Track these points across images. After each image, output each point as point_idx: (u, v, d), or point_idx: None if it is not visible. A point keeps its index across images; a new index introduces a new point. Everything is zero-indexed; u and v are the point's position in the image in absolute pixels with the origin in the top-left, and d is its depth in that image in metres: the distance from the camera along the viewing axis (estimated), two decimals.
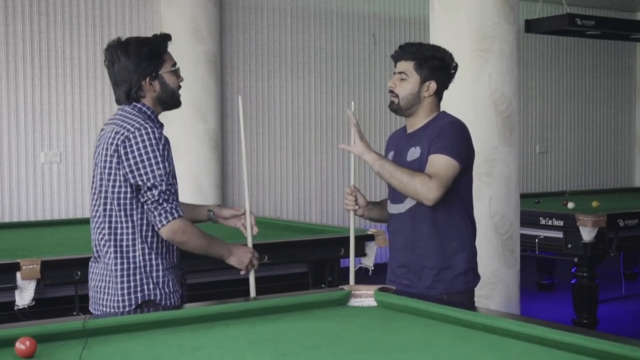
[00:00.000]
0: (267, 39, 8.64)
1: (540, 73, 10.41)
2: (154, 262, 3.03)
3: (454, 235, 3.25)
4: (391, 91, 3.30)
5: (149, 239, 3.03)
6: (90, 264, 3.17)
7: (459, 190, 3.24)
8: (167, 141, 3.00)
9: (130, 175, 2.95)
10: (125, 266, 3.01)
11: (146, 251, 3.02)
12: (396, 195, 3.30)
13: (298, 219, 8.51)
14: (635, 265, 8.35)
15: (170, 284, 3.06)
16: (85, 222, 6.11)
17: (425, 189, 3.08)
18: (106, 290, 3.04)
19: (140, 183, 2.94)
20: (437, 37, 4.75)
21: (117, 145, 2.96)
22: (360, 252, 4.68)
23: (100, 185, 3.03)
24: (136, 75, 3.03)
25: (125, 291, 3.00)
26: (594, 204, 6.59)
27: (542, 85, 10.45)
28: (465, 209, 3.31)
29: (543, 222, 5.98)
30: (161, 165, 2.94)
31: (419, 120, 3.32)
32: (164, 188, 2.94)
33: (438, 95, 3.34)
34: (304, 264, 4.70)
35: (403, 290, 3.12)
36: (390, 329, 2.55)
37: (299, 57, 8.82)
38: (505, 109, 4.65)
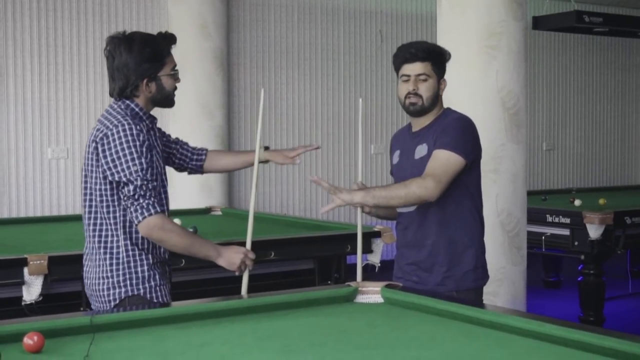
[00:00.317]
0: (274, 35, 8.64)
1: (547, 70, 10.39)
2: (137, 257, 3.03)
3: (464, 232, 3.28)
4: (414, 93, 3.29)
5: (133, 235, 3.02)
6: (83, 260, 3.19)
7: (468, 187, 3.28)
8: (146, 138, 2.98)
9: (108, 172, 2.95)
10: (108, 261, 3.02)
11: (129, 247, 3.01)
12: None
13: (304, 215, 8.52)
14: None
15: (157, 277, 3.05)
16: None
17: (423, 189, 3.11)
18: (93, 287, 3.07)
19: (117, 179, 2.93)
20: (445, 33, 4.75)
21: (96, 142, 2.97)
22: (367, 249, 4.68)
23: (85, 182, 3.05)
24: (135, 75, 3.01)
25: (111, 286, 3.01)
26: (601, 201, 6.58)
27: (549, 82, 10.43)
28: (475, 205, 3.33)
29: (550, 219, 5.97)
30: (137, 162, 2.92)
31: (429, 118, 3.35)
32: (139, 183, 2.91)
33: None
34: (311, 260, 4.71)
35: (412, 286, 3.13)
36: (396, 325, 2.55)
37: (306, 53, 8.81)
38: (513, 106, 4.65)
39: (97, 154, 2.96)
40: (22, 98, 7.43)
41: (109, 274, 3.02)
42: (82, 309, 3.90)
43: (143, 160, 2.93)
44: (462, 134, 3.23)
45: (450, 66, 4.14)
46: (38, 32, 7.47)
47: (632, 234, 5.94)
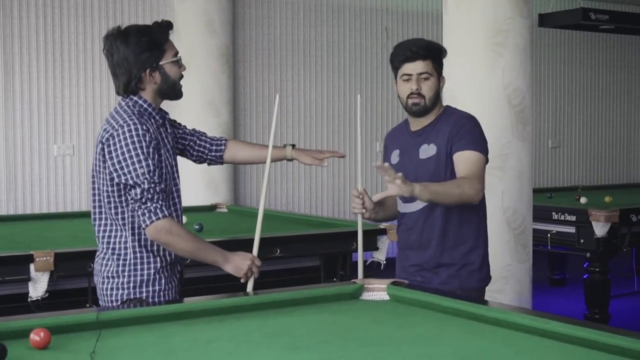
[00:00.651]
0: (279, 32, 8.64)
1: (553, 67, 10.37)
2: (145, 260, 2.97)
3: (469, 232, 3.25)
4: (417, 93, 3.22)
5: (142, 237, 2.96)
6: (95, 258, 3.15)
7: None
8: (154, 137, 2.92)
9: (115, 174, 2.89)
10: (115, 262, 2.97)
11: (137, 249, 2.96)
12: None
13: (310, 212, 8.52)
14: None
15: (163, 281, 2.99)
16: None
17: (474, 192, 3.06)
18: (99, 286, 3.04)
19: (124, 182, 2.87)
20: (451, 31, 4.74)
21: (102, 143, 2.91)
22: (372, 246, 4.68)
23: (93, 183, 3.01)
24: (136, 67, 2.94)
25: (114, 287, 2.97)
26: (607, 199, 6.57)
27: (555, 79, 10.41)
28: (481, 205, 3.28)
29: (555, 217, 5.97)
30: (144, 164, 2.85)
31: (429, 117, 3.28)
32: (146, 186, 2.85)
33: None
34: (316, 257, 4.70)
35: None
36: (402, 322, 2.55)
37: (312, 50, 8.81)
38: (519, 104, 4.64)
39: (104, 155, 2.91)
40: (28, 95, 7.44)
41: (115, 274, 2.98)
42: (88, 305, 3.90)
43: (150, 161, 2.87)
44: (479, 134, 3.20)
45: (456, 64, 4.14)
46: (44, 29, 7.48)
47: (638, 232, 5.94)
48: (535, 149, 9.81)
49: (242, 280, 3.03)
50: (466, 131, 3.16)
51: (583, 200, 6.47)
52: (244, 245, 4.37)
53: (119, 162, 2.87)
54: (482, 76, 4.60)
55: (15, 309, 3.71)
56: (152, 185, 2.86)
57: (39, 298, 3.84)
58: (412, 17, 9.36)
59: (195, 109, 7.57)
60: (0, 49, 7.31)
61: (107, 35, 2.99)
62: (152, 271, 2.98)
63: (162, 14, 7.86)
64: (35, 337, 2.20)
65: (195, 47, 7.55)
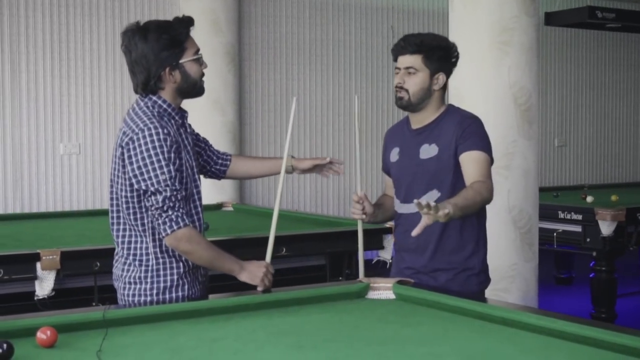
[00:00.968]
0: (285, 31, 8.64)
1: (559, 66, 10.35)
2: (167, 265, 2.89)
3: (470, 237, 3.16)
4: (399, 87, 3.15)
5: (163, 242, 2.86)
6: (113, 262, 3.05)
7: None
8: (175, 140, 2.82)
9: (134, 180, 2.78)
10: (137, 267, 2.89)
11: (159, 255, 2.88)
12: (408, 194, 3.19)
13: (316, 211, 8.52)
14: None
15: (186, 287, 2.92)
16: (104, 213, 6.16)
17: (491, 194, 3.00)
18: (121, 291, 2.96)
19: (144, 188, 2.77)
20: (456, 29, 4.74)
21: (122, 147, 2.81)
22: (378, 245, 4.68)
23: (111, 187, 2.92)
24: (155, 65, 2.82)
25: (136, 293, 2.89)
26: (613, 197, 6.55)
27: (561, 78, 10.39)
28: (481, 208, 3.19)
29: (562, 215, 5.96)
30: (165, 170, 2.76)
31: (428, 115, 3.19)
32: (168, 194, 2.75)
33: (445, 86, 3.22)
34: (322, 256, 4.70)
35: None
36: (408, 321, 2.55)
37: (317, 49, 8.81)
38: (525, 102, 4.63)
39: (124, 160, 2.81)
40: (35, 94, 7.46)
41: (137, 280, 2.89)
42: (94, 304, 3.91)
43: (172, 167, 2.77)
44: (484, 134, 3.12)
45: (462, 62, 4.11)
46: (50, 27, 7.49)
47: None
48: (542, 147, 9.79)
49: (260, 289, 2.90)
50: (472, 131, 3.08)
51: (589, 199, 6.46)
52: (250, 244, 4.39)
53: (139, 167, 2.76)
54: (488, 75, 4.60)
55: (21, 307, 3.72)
56: (174, 193, 2.77)
57: (46, 296, 3.84)
58: (418, 15, 9.35)
59: (201, 107, 7.57)
60: (6, 47, 7.33)
61: (126, 31, 2.88)
62: (175, 277, 2.89)
63: (168, 12, 7.87)
64: (42, 335, 2.20)
65: (201, 46, 7.44)
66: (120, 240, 2.93)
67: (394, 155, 3.30)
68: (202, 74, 2.96)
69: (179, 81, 2.89)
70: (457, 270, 3.15)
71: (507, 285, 4.58)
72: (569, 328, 2.28)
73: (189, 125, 3.05)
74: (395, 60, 3.22)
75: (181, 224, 2.78)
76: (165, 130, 2.79)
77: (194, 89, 2.94)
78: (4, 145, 7.36)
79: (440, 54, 3.17)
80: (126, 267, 2.92)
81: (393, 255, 4.66)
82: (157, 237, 2.87)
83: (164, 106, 2.89)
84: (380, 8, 9.14)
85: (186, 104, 3.04)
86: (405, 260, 3.25)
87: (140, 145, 2.76)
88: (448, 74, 3.22)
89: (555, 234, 6.00)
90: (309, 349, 2.24)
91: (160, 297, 2.89)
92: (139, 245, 2.89)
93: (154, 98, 2.89)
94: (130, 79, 2.92)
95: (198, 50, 2.95)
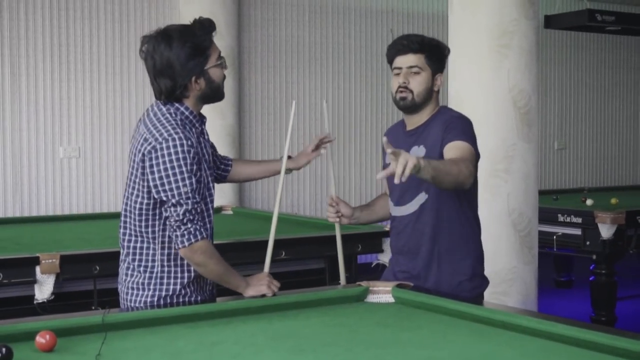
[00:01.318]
0: (284, 34, 8.65)
1: (559, 69, 10.36)
2: (172, 274, 2.87)
3: (460, 239, 3.12)
4: (404, 87, 3.10)
5: (172, 251, 2.85)
6: (119, 266, 3.03)
7: (465, 191, 3.04)
8: (197, 149, 2.79)
9: (154, 190, 2.75)
10: (142, 274, 2.87)
11: (165, 263, 2.86)
12: (401, 197, 3.16)
13: (315, 215, 8.52)
14: None
15: (187, 296, 2.89)
16: (104, 216, 6.17)
17: (468, 173, 2.83)
18: (123, 296, 2.95)
19: (164, 198, 2.74)
20: (456, 32, 4.74)
21: (143, 154, 2.76)
22: (377, 249, 4.68)
23: (125, 190, 2.90)
24: (182, 75, 2.78)
25: (139, 299, 2.88)
26: (613, 200, 6.55)
27: (561, 81, 10.39)
28: (472, 210, 3.17)
29: (561, 219, 5.95)
30: (187, 182, 2.72)
31: (423, 117, 3.15)
32: (189, 207, 2.73)
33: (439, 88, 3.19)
34: (321, 260, 4.70)
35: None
36: (407, 325, 2.55)
37: (317, 52, 8.82)
38: (524, 105, 4.63)
39: (144, 167, 2.76)
40: (34, 97, 7.45)
41: (140, 286, 2.88)
42: (94, 307, 3.91)
43: (194, 180, 2.74)
44: (469, 130, 3.06)
45: (461, 65, 4.11)
46: (50, 31, 7.49)
47: None
48: (541, 150, 9.79)
49: (270, 295, 2.86)
50: (456, 126, 3.02)
51: (589, 202, 6.46)
52: (250, 247, 4.39)
53: (161, 178, 2.73)
54: (487, 78, 4.60)
55: (21, 311, 3.72)
56: (195, 206, 2.75)
57: (45, 300, 3.84)
58: (418, 18, 9.35)
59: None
60: (6, 50, 7.33)
61: (148, 38, 2.83)
62: (178, 286, 2.88)
63: (168, 16, 7.87)
64: (41, 339, 2.20)
65: None
66: (126, 244, 2.91)
67: (389, 157, 3.27)
68: (224, 77, 2.93)
69: (203, 87, 2.86)
70: (447, 274, 3.11)
71: (507, 289, 4.58)
72: (568, 331, 2.28)
73: (206, 131, 3.02)
74: (391, 61, 3.19)
75: (199, 237, 2.76)
76: (189, 142, 2.76)
77: (216, 94, 2.93)
78: (3, 149, 7.36)
79: (439, 55, 3.16)
80: (129, 272, 2.91)
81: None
82: (166, 245, 2.85)
83: (186, 113, 2.85)
84: (379, 11, 9.15)
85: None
86: (400, 263, 3.23)
87: (163, 155, 2.72)
88: (443, 76, 3.21)
89: (555, 237, 6.00)
90: (308, 353, 2.24)
91: (162, 304, 2.86)
92: (144, 252, 2.87)
93: (177, 105, 2.84)
94: (152, 84, 2.86)
95: (220, 53, 2.91)
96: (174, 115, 2.82)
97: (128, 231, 2.89)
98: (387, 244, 4.68)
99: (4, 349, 2.06)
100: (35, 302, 3.85)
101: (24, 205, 7.41)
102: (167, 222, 2.79)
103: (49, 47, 7.49)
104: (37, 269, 3.84)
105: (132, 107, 7.83)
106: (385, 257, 4.65)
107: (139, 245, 2.88)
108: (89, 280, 3.99)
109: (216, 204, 6.85)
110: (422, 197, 3.11)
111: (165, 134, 2.74)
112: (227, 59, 3.02)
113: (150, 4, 7.90)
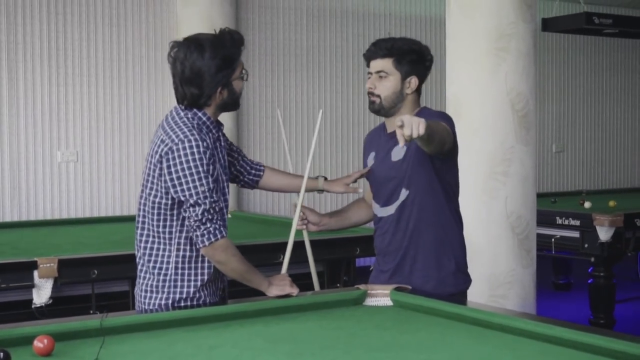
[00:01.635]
0: (282, 38, 8.65)
1: (557, 72, 10.37)
2: (186, 277, 2.89)
3: (444, 235, 3.13)
4: (371, 92, 3.15)
5: (187, 253, 2.88)
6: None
7: (446, 187, 3.12)
8: (212, 154, 2.84)
9: (172, 190, 2.80)
10: (156, 276, 2.89)
11: (179, 265, 2.88)
12: (384, 198, 3.18)
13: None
14: None
15: (202, 300, 2.91)
16: (102, 220, 6.17)
17: (446, 133, 2.91)
18: (138, 298, 2.96)
19: (182, 198, 2.79)
20: (454, 36, 4.74)
21: (160, 155, 2.81)
22: (375, 252, 4.67)
23: (142, 192, 2.92)
24: (209, 85, 2.84)
25: (153, 301, 2.89)
26: (611, 203, 6.56)
27: (558, 84, 10.40)
28: (454, 206, 3.18)
29: (559, 221, 5.95)
30: (204, 182, 2.77)
31: None
32: (207, 207, 2.77)
33: (418, 90, 3.19)
34: (320, 263, 4.70)
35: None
36: (406, 328, 2.55)
37: (315, 56, 8.82)
38: (522, 108, 4.64)
39: (162, 168, 2.81)
40: (32, 102, 7.45)
41: (154, 289, 2.89)
42: (92, 311, 3.91)
43: (210, 179, 2.79)
44: (450, 122, 3.08)
45: (459, 68, 4.11)
46: (48, 36, 7.49)
47: None
48: (539, 153, 9.80)
49: (295, 294, 2.89)
50: (433, 117, 3.01)
51: (587, 204, 6.46)
52: (249, 251, 4.38)
53: (178, 177, 2.78)
54: (485, 81, 4.60)
55: (19, 315, 3.72)
56: (213, 205, 2.79)
57: (43, 305, 3.84)
58: (415, 22, 9.36)
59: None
60: (4, 55, 7.33)
61: (179, 44, 2.87)
62: (191, 289, 2.89)
63: (166, 20, 7.87)
64: (39, 344, 2.20)
65: None
66: (142, 244, 2.93)
67: (371, 160, 3.29)
68: (242, 88, 2.99)
69: (225, 98, 2.92)
70: (430, 270, 3.12)
71: (505, 292, 4.58)
72: (567, 334, 2.28)
73: (224, 135, 3.05)
74: (368, 65, 3.21)
75: (219, 235, 2.80)
76: (205, 143, 2.81)
77: (235, 104, 2.99)
78: (1, 153, 7.35)
79: (412, 57, 3.14)
80: (142, 275, 2.94)
81: None
82: (181, 247, 2.88)
83: (204, 119, 2.90)
84: (377, 15, 9.15)
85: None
86: (385, 262, 3.23)
87: (180, 156, 2.78)
88: (421, 77, 3.19)
89: (553, 240, 6.00)
90: (306, 356, 2.23)
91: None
92: (160, 253, 2.90)
93: (195, 110, 2.89)
94: (175, 89, 2.91)
95: (243, 66, 2.97)
96: (191, 119, 2.88)
97: (145, 232, 2.92)
98: None
99: (2, 354, 2.06)
100: (33, 306, 3.85)
101: (22, 210, 7.41)
102: (187, 223, 2.83)
103: (47, 51, 7.49)
104: (35, 273, 3.84)
105: (129, 112, 7.83)
106: None
107: (155, 246, 2.90)
108: (87, 284, 3.99)
109: None
110: (403, 194, 3.13)
111: (182, 135, 2.80)
112: None
113: (148, 9, 7.91)
